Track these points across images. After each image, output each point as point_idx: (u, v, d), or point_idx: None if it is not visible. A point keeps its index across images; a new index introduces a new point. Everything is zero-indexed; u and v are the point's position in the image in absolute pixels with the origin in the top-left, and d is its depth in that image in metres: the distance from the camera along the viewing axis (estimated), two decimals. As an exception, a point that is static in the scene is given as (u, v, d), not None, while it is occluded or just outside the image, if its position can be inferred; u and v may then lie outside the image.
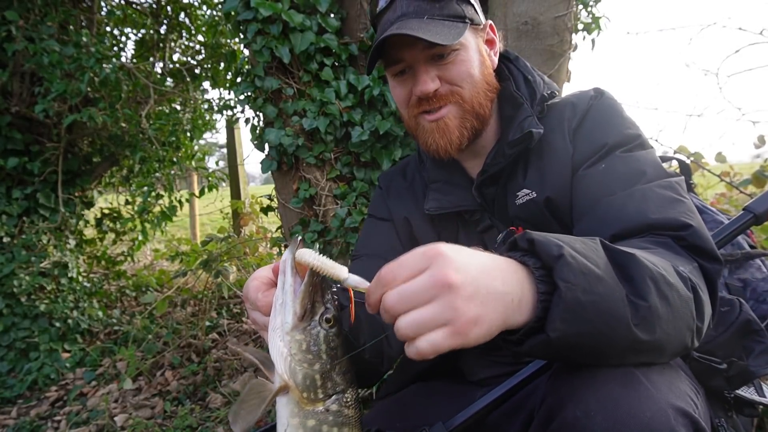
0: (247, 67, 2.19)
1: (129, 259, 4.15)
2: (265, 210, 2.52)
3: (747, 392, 0.93)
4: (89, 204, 3.70)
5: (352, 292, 0.72)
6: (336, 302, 0.77)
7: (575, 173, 0.98)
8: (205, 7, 3.82)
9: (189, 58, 3.96)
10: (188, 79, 3.53)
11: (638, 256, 0.65)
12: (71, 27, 3.14)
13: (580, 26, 2.26)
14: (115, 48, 3.76)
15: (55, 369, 2.90)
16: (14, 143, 3.10)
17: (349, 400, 0.75)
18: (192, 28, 3.86)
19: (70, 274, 3.20)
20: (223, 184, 4.05)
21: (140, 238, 3.92)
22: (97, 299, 3.52)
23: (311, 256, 0.71)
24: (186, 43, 3.98)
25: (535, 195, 1.01)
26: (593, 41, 2.30)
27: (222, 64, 3.74)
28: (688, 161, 1.24)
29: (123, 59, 3.57)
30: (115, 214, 3.95)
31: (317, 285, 0.74)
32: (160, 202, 3.44)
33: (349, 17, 2.10)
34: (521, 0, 1.88)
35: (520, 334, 0.62)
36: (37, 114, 2.85)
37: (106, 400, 2.54)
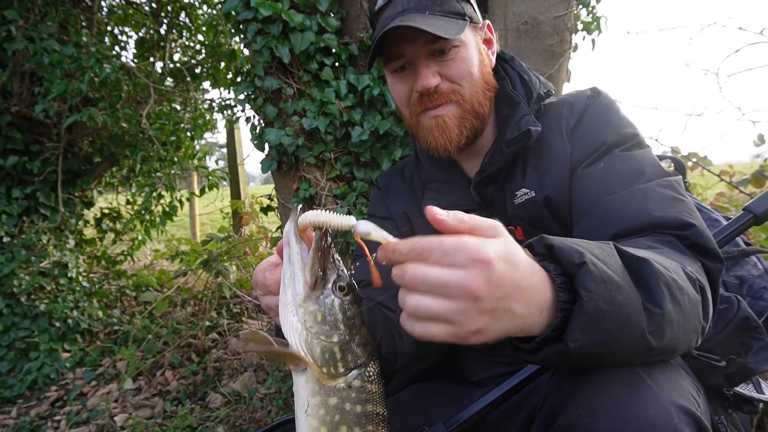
0: (247, 66, 2.19)
1: (129, 258, 4.15)
2: (265, 210, 2.52)
3: (746, 389, 0.94)
4: (89, 204, 3.70)
5: (366, 248, 0.65)
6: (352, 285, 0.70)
7: (574, 172, 0.98)
8: (205, 7, 3.81)
9: (189, 58, 3.96)
10: (188, 78, 3.54)
11: (651, 261, 0.64)
12: (71, 27, 3.13)
13: (580, 26, 2.25)
14: (116, 48, 3.76)
15: (55, 369, 2.89)
16: (14, 143, 3.10)
17: (371, 374, 0.69)
18: (192, 27, 3.86)
19: (69, 274, 3.20)
20: (224, 184, 4.05)
21: (140, 238, 3.93)
22: (97, 299, 3.52)
23: (315, 216, 0.66)
24: (186, 42, 3.98)
25: (534, 194, 1.01)
26: (593, 41, 2.30)
27: (222, 64, 3.74)
28: (691, 161, 1.24)
29: (123, 59, 3.57)
30: (115, 214, 3.95)
31: (327, 249, 0.68)
32: (162, 201, 3.44)
33: (349, 17, 2.10)
34: (521, 0, 1.88)
35: (536, 342, 0.61)
36: (37, 114, 2.85)
37: (106, 399, 2.54)
